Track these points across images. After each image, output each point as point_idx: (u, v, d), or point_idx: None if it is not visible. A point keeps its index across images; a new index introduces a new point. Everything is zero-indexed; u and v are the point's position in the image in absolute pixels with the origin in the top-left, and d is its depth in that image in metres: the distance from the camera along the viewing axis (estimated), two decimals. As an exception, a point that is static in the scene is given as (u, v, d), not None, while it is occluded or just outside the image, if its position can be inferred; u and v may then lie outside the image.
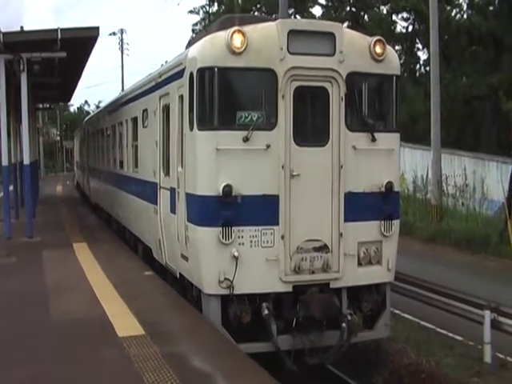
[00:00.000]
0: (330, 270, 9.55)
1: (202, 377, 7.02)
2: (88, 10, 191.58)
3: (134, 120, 14.41)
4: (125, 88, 46.29)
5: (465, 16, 42.86)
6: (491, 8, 40.18)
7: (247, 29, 9.19)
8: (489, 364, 9.81)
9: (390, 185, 9.83)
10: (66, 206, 27.95)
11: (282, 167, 9.28)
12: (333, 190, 9.56)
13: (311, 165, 9.46)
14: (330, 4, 44.43)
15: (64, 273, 12.49)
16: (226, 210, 9.10)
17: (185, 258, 9.99)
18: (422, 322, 11.88)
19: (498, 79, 37.09)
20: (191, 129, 9.43)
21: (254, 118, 9.23)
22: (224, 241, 9.09)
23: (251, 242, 9.24)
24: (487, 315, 9.74)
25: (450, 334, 11.42)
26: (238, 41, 9.02)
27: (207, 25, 58.41)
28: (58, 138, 72.89)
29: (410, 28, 45.12)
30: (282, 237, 9.31)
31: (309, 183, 9.44)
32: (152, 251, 12.70)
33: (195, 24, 62.78)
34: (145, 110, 13.11)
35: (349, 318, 9.56)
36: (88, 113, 70.50)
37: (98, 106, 71.68)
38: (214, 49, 9.20)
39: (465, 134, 40.41)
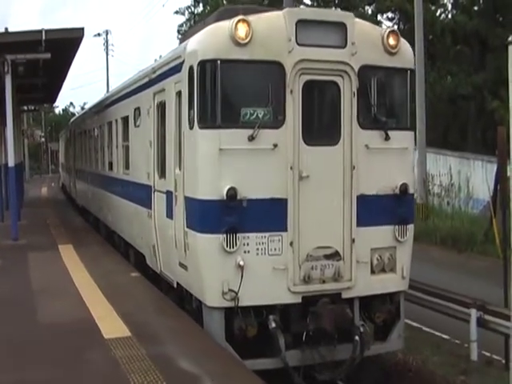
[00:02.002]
0: (341, 278, 8.66)
1: (189, 378, 6.84)
2: (73, 12, 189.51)
3: (125, 119, 13.39)
4: (110, 89, 45.14)
5: (449, 16, 42.35)
6: (476, 8, 39.69)
7: (252, 18, 8.24)
8: (475, 362, 9.62)
9: (404, 186, 8.95)
10: (51, 208, 27.31)
11: (291, 168, 8.37)
12: (344, 193, 8.67)
13: (321, 165, 8.56)
14: (315, 4, 43.59)
15: (50, 275, 12.15)
16: (230, 216, 8.17)
17: (183, 266, 9.04)
18: (408, 321, 11.15)
19: (483, 78, 36.65)
20: (191, 127, 8.49)
21: (260, 115, 8.30)
22: (228, 249, 8.16)
23: (257, 249, 8.31)
24: (473, 313, 9.61)
25: (437, 333, 11.30)
26: (242, 31, 8.09)
27: (192, 25, 57.68)
28: (43, 139, 71.44)
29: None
30: (291, 243, 8.40)
31: (319, 185, 8.53)
32: (145, 258, 11.74)
33: (181, 25, 62.04)
34: (137, 109, 12.12)
35: (361, 329, 8.69)
36: (73, 114, 69.08)
37: (83, 108, 70.34)
38: (216, 40, 8.26)
39: (450, 133, 39.90)
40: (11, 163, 17.01)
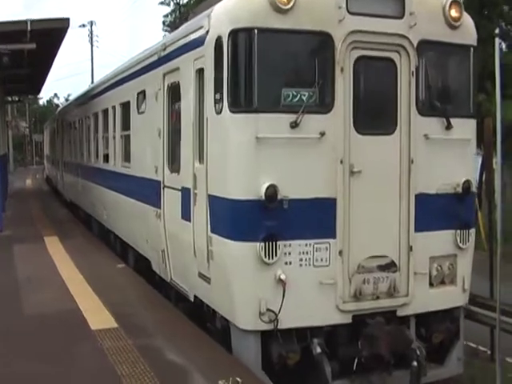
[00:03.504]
0: (397, 293, 7.00)
1: (176, 369, 6.60)
2: (57, 3, 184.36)
3: (125, 105, 11.52)
4: (94, 80, 42.90)
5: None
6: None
7: (296, -21, 6.54)
8: None
9: (467, 184, 7.32)
10: (36, 199, 26.07)
11: (341, 162, 6.68)
12: (401, 192, 7.01)
13: (375, 159, 6.88)
14: None
15: (36, 267, 11.64)
16: (269, 219, 6.46)
17: (205, 278, 7.32)
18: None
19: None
20: (218, 112, 6.74)
21: (305, 98, 6.59)
22: (267, 260, 6.46)
23: (301, 260, 6.62)
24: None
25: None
26: None
27: (177, 16, 55.67)
28: (28, 131, 68.76)
29: None
30: (340, 253, 6.72)
31: (372, 182, 6.85)
32: (151, 263, 9.98)
33: (166, 15, 59.82)
34: (140, 93, 10.30)
35: (418, 352, 7.06)
36: (57, 106, 66.39)
37: (67, 99, 67.68)
38: (251, 4, 6.49)
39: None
40: (-5, 154, 15.84)
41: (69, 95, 73.01)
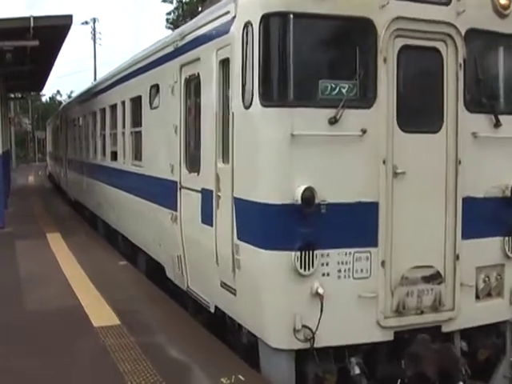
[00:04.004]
0: (442, 307, 6.27)
1: (179, 366, 6.49)
2: (60, 1, 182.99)
3: (136, 100, 10.76)
4: (97, 78, 42.04)
5: None
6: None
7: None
8: None
9: None
10: (38, 196, 25.68)
11: (383, 162, 5.95)
12: (447, 195, 6.27)
13: (420, 158, 6.13)
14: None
15: (38, 263, 11.47)
16: (306, 226, 5.72)
17: (229, 289, 6.58)
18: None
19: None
20: (247, 106, 5.98)
21: (344, 91, 5.84)
22: (302, 271, 5.73)
23: (339, 271, 5.88)
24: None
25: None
26: None
27: (180, 14, 54.87)
28: (30, 127, 67.85)
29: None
30: (382, 263, 5.98)
31: (417, 185, 6.10)
32: (165, 269, 9.24)
33: (169, 13, 59.13)
34: (154, 87, 9.54)
35: (463, 371, 6.34)
36: (60, 103, 65.53)
37: (69, 96, 66.84)
38: None
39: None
40: (-1, 151, 15.60)
41: (71, 92, 71.98)
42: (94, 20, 68.20)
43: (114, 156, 12.97)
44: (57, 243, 13.44)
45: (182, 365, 6.48)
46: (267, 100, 5.76)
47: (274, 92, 5.79)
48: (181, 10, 57.07)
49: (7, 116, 38.49)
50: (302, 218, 5.69)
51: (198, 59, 7.46)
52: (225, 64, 6.66)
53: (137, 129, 10.83)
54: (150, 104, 9.71)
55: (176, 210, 8.27)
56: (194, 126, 7.82)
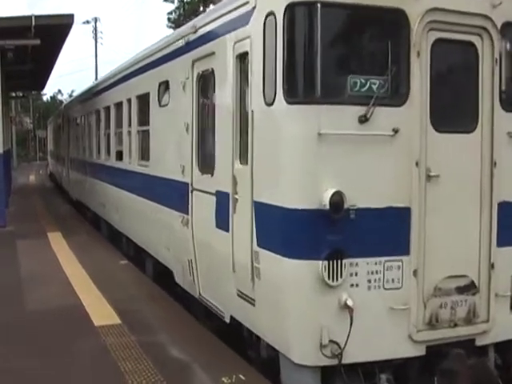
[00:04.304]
0: (476, 319, 5.80)
1: (180, 365, 6.44)
2: (61, 3, 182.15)
3: (143, 98, 10.28)
4: (98, 77, 41.44)
5: None
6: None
7: None
8: None
9: None
10: (39, 195, 25.59)
11: (416, 164, 5.49)
12: (482, 199, 5.81)
13: (454, 160, 5.66)
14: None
15: (39, 263, 11.40)
16: (334, 233, 5.24)
17: (247, 299, 6.11)
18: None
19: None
20: (270, 103, 5.50)
21: (375, 87, 5.35)
22: (330, 281, 5.26)
23: (369, 281, 5.40)
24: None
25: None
26: None
27: (181, 14, 54.37)
28: (31, 126, 67.22)
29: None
30: (415, 272, 5.50)
31: (450, 189, 5.62)
32: (173, 274, 8.78)
33: (170, 13, 58.68)
34: (163, 83, 9.07)
35: None
36: (61, 102, 65.02)
37: (70, 95, 66.21)
38: None
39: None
40: (0, 150, 15.64)
41: (72, 91, 71.40)
42: (96, 19, 67.80)
43: (119, 156, 12.50)
44: (58, 242, 13.38)
45: (182, 364, 6.40)
46: (292, 96, 5.29)
47: (300, 88, 5.32)
48: (182, 9, 56.74)
49: (8, 115, 38.30)
50: (330, 225, 5.22)
51: (212, 54, 6.99)
52: (242, 58, 6.19)
53: (144, 127, 10.35)
54: (159, 101, 9.24)
55: (187, 212, 7.80)
56: (207, 125, 7.35)
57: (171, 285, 8.98)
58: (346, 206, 5.22)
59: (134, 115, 10.97)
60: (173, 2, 60.10)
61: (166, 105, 8.84)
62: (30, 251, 12.46)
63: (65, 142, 23.63)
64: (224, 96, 6.64)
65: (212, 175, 7.04)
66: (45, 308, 8.38)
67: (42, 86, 33.13)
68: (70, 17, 14.77)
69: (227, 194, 6.49)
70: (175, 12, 58.04)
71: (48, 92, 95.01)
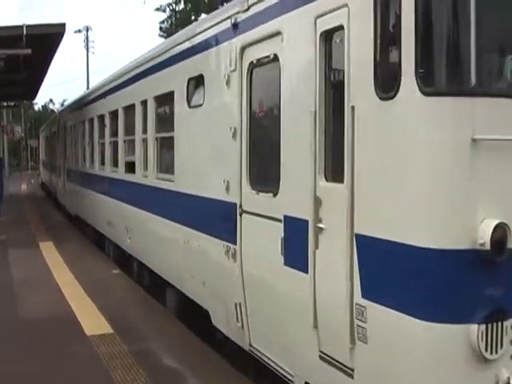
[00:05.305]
0: None
1: (171, 374, 6.28)
2: (53, 9, 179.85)
3: (164, 98, 8.44)
4: (90, 86, 39.47)
5: None
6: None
7: None
8: None
9: None
10: (31, 204, 25.44)
11: None
12: None
13: None
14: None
15: (30, 272, 11.28)
16: (495, 284, 3.52)
17: (339, 366, 4.29)
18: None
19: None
20: (388, 94, 3.71)
21: None
22: (488, 354, 3.51)
23: None
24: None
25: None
26: None
27: (173, 23, 52.83)
28: (23, 134, 65.05)
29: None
30: None
31: None
32: (210, 314, 6.97)
33: (162, 22, 57.17)
34: (194, 79, 7.24)
35: None
36: (53, 111, 62.95)
37: (62, 105, 64.18)
38: None
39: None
40: (-9, 160, 14.07)
41: (64, 100, 69.42)
42: (87, 28, 66.20)
43: (130, 167, 10.66)
44: (49, 252, 13.19)
45: (174, 373, 6.31)
46: (430, 84, 3.52)
47: (443, 72, 3.57)
48: (174, 18, 55.24)
49: (0, 124, 36.55)
50: (489, 272, 3.48)
51: (275, 35, 5.19)
52: (330, 37, 4.44)
53: (165, 134, 8.53)
54: (188, 102, 7.42)
55: (234, 241, 5.99)
56: (264, 129, 5.59)
57: (203, 324, 7.23)
58: (510, 244, 3.48)
59: (152, 120, 9.13)
60: (164, 11, 58.73)
61: (200, 105, 7.02)
62: (22, 260, 12.34)
63: (61, 152, 21.63)
64: (297, 90, 4.86)
65: (275, 195, 5.24)
66: (36, 317, 8.26)
67: (34, 95, 31.90)
68: (62, 26, 14.50)
69: (304, 222, 4.70)
70: (167, 21, 56.66)
71: (39, 101, 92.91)
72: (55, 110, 64.77)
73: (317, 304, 4.56)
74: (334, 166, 4.42)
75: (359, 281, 4.06)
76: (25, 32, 13.51)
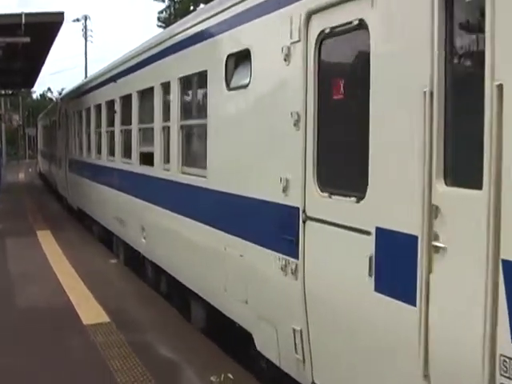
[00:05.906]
0: None
1: (168, 364, 6.30)
2: (51, 1, 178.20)
3: (193, 79, 7.25)
4: (88, 75, 38.16)
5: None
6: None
7: None
8: None
9: None
10: (28, 194, 25.32)
11: None
12: None
13: None
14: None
15: (28, 261, 11.22)
16: None
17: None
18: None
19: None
20: None
21: None
22: None
23: None
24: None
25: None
26: None
27: (172, 13, 51.60)
28: (21, 123, 63.66)
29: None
30: None
31: None
32: (253, 337, 5.83)
33: (160, 12, 55.89)
34: (235, 55, 6.00)
35: None
36: (51, 100, 61.54)
37: (60, 93, 62.68)
38: None
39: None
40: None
41: (62, 89, 67.96)
42: (86, 17, 64.96)
43: (146, 159, 9.49)
44: (47, 240, 13.14)
45: (171, 362, 6.30)
46: None
47: None
48: (172, 8, 53.99)
49: (-2, 113, 35.87)
50: None
51: None
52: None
53: (194, 121, 7.37)
54: (227, 82, 6.20)
55: (294, 255, 4.82)
56: (343, 114, 4.43)
57: (238, 343, 6.15)
58: None
59: (175, 105, 7.93)
60: (163, 1, 57.50)
61: (244, 86, 5.80)
62: (19, 249, 12.24)
63: (62, 141, 20.35)
64: (399, 63, 3.71)
65: (359, 199, 4.08)
66: (33, 307, 8.25)
67: (32, 83, 31.70)
68: (61, 15, 14.52)
69: (410, 238, 3.55)
70: (165, 11, 55.42)
71: (37, 90, 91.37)
72: (53, 98, 63.45)
73: (429, 346, 3.43)
74: (463, 166, 3.28)
75: (508, 324, 2.94)
76: (23, 20, 13.58)
